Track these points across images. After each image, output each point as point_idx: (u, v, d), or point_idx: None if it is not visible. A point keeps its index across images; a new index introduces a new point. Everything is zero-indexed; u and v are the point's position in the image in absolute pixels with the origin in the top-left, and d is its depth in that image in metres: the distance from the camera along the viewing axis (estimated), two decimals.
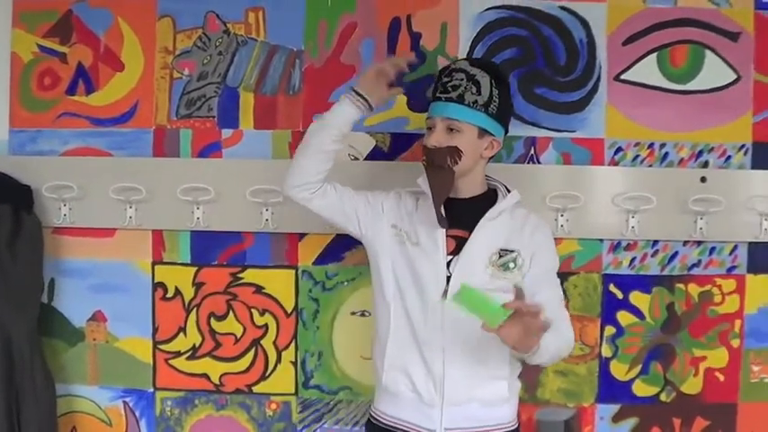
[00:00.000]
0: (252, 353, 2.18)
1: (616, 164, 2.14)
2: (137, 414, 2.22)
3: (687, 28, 2.13)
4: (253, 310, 2.18)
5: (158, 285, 2.19)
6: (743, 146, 2.15)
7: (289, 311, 2.17)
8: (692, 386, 2.18)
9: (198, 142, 2.18)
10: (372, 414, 1.81)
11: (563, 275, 2.11)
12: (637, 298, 2.16)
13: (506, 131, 1.79)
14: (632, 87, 2.14)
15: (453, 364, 1.68)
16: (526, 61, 2.14)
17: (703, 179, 2.12)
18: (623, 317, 2.16)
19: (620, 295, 2.16)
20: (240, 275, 2.18)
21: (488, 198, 1.77)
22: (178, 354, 2.20)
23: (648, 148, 2.15)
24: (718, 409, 2.18)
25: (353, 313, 2.17)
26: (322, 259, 2.16)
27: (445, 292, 1.68)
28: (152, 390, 2.21)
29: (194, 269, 2.19)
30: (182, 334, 2.20)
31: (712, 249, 2.16)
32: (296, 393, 2.18)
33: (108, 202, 2.15)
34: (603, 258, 2.15)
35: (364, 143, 2.14)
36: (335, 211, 1.81)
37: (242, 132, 2.17)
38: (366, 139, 2.14)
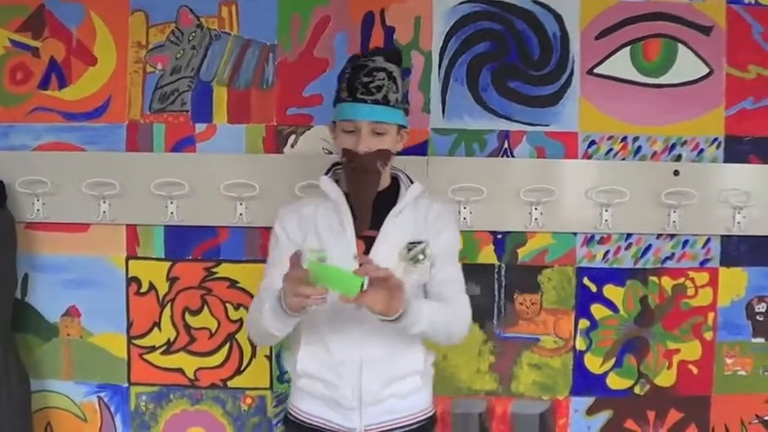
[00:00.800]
0: (227, 347, 2.18)
1: (589, 157, 2.15)
2: (111, 409, 2.21)
3: (660, 22, 2.14)
4: (227, 304, 2.18)
5: (132, 280, 2.18)
6: (715, 139, 2.16)
7: None
8: (666, 379, 2.19)
9: (171, 137, 2.17)
10: (291, 412, 1.74)
11: (537, 269, 2.16)
12: (610, 291, 2.17)
13: None
14: (605, 81, 2.15)
15: (370, 370, 1.63)
16: (500, 55, 2.14)
17: (676, 172, 2.13)
18: (597, 310, 2.17)
19: (593, 288, 2.16)
20: (215, 270, 2.17)
21: (392, 191, 1.72)
22: (153, 348, 2.19)
23: (622, 141, 2.15)
24: (691, 402, 2.20)
25: None
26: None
27: None
28: (127, 385, 2.20)
29: (168, 264, 2.18)
30: (156, 329, 2.19)
31: (685, 242, 2.17)
32: (271, 388, 2.18)
33: (81, 197, 2.14)
34: (577, 252, 2.16)
35: None
36: None
37: (215, 127, 2.16)
38: None
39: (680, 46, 2.15)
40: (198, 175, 2.12)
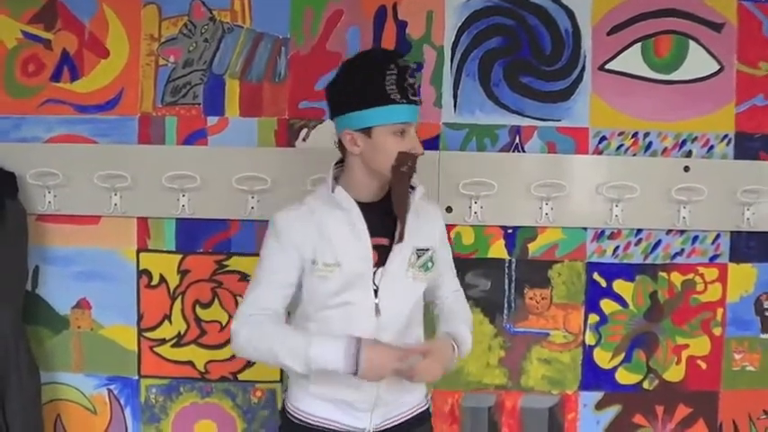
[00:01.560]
0: None
1: (600, 153, 2.16)
2: (121, 402, 2.21)
3: (671, 18, 2.15)
4: (238, 297, 2.17)
5: (143, 273, 2.19)
6: (725, 136, 2.17)
7: None
8: (675, 374, 2.20)
9: (183, 129, 2.17)
10: (293, 414, 1.68)
11: (547, 264, 2.17)
12: (620, 286, 2.18)
13: None
14: (617, 77, 2.16)
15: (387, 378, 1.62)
16: (512, 50, 2.15)
17: (686, 168, 2.14)
18: (607, 305, 2.18)
19: (603, 283, 2.18)
20: (225, 263, 2.18)
21: (389, 197, 1.65)
22: (163, 341, 2.20)
23: (632, 137, 2.16)
24: (700, 397, 2.21)
25: None
26: None
27: (376, 306, 1.60)
28: (137, 377, 2.21)
29: (179, 257, 2.18)
30: (167, 321, 2.19)
31: (695, 238, 2.18)
32: (281, 381, 2.18)
33: (93, 190, 2.14)
34: (587, 247, 2.17)
35: None
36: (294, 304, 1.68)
37: (227, 120, 2.16)
38: None
39: (691, 42, 2.15)
40: (209, 168, 2.13)
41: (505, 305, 2.17)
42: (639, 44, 2.15)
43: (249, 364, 2.18)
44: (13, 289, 2.10)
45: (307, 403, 1.67)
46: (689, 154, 2.16)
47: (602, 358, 2.18)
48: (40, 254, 2.18)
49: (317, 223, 1.61)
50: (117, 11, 2.17)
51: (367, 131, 1.57)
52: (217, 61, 2.17)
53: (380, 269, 1.61)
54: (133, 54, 2.18)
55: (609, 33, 2.15)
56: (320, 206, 1.64)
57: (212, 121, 2.17)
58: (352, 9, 2.14)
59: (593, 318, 2.18)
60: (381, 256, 1.61)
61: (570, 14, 2.14)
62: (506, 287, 2.17)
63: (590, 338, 2.18)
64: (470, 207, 2.10)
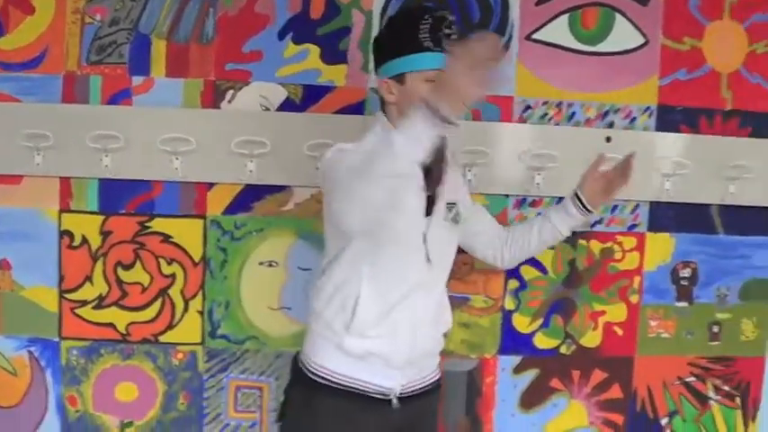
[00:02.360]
0: (159, 302, 2.17)
1: (524, 121, 2.18)
2: (42, 364, 2.18)
3: None
4: (160, 259, 2.16)
5: (65, 233, 2.15)
6: (648, 108, 2.22)
7: (196, 261, 2.16)
8: (592, 339, 2.25)
9: (108, 89, 2.13)
10: (317, 372, 1.66)
11: None
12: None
13: None
14: (543, 47, 2.18)
15: (423, 328, 1.66)
16: None
17: (608, 139, 2.17)
18: (526, 271, 2.22)
19: None
20: (148, 224, 2.15)
21: None
22: (84, 303, 2.17)
23: (556, 107, 2.19)
24: (615, 362, 2.27)
25: (261, 263, 2.17)
26: (231, 209, 2.15)
27: (426, 254, 1.64)
28: (57, 339, 2.18)
29: (102, 218, 2.15)
30: (88, 283, 2.16)
31: (614, 208, 2.22)
32: (202, 343, 2.18)
33: (16, 149, 2.09)
34: (509, 213, 2.20)
35: (275, 93, 2.14)
36: None
37: (153, 80, 2.13)
38: (278, 89, 2.14)
39: (617, 15, 2.19)
40: (134, 128, 2.09)
41: None
42: (567, 15, 2.17)
43: (170, 326, 2.17)
44: None
45: (335, 362, 1.65)
46: (611, 125, 2.20)
47: (521, 323, 2.23)
48: None
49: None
50: None
51: (400, 79, 1.61)
52: (144, 20, 2.13)
53: (427, 218, 1.66)
54: (59, 11, 2.12)
55: (537, 3, 2.17)
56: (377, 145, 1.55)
57: (138, 80, 2.13)
58: None
59: (513, 283, 2.21)
60: (428, 206, 1.66)
61: None
62: None
63: (509, 303, 2.22)
64: None
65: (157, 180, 2.14)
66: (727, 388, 2.33)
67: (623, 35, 2.20)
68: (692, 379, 2.32)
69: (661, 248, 2.25)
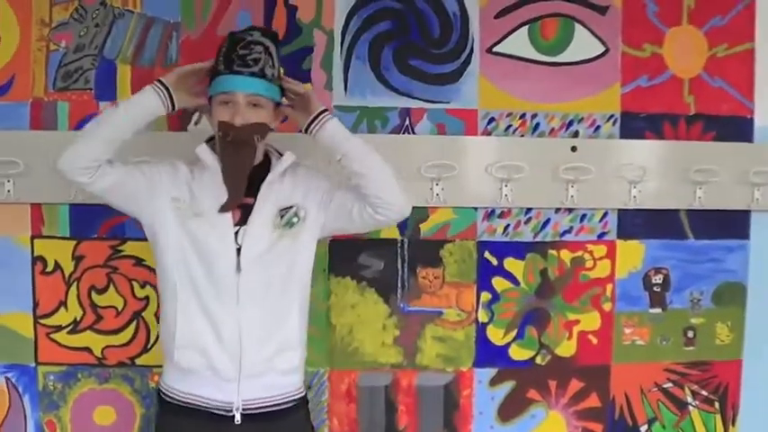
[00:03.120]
0: (133, 325, 2.18)
1: (489, 134, 2.20)
2: (19, 389, 2.19)
3: (557, 1, 2.21)
4: (133, 282, 2.17)
5: (38, 259, 2.16)
6: (611, 116, 2.23)
7: None
8: (567, 349, 2.26)
9: (75, 115, 2.15)
10: (163, 390, 1.75)
11: (439, 243, 2.20)
12: (511, 264, 2.22)
13: None
14: (504, 59, 2.20)
15: (250, 337, 1.67)
16: (401, 34, 2.17)
17: (574, 148, 2.19)
18: (498, 283, 2.22)
19: (494, 262, 2.22)
20: (120, 248, 2.17)
21: (265, 166, 1.74)
22: (59, 328, 2.18)
23: (520, 118, 2.21)
24: (592, 371, 2.27)
25: None
26: None
27: (237, 264, 1.66)
28: (34, 364, 2.18)
29: (74, 243, 2.16)
30: (62, 308, 2.17)
31: (583, 216, 2.23)
32: None
33: None
34: (478, 226, 2.21)
35: None
36: (117, 193, 1.72)
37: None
38: None
39: (576, 25, 2.21)
40: None
41: (399, 285, 2.20)
42: (526, 27, 2.19)
43: (146, 348, 2.18)
44: None
45: (172, 376, 1.71)
46: (576, 134, 2.21)
47: (495, 335, 2.23)
48: None
49: (184, 170, 1.75)
50: None
51: (208, 106, 1.73)
52: (108, 46, 2.16)
53: (242, 228, 1.68)
54: (24, 39, 2.15)
55: (496, 17, 2.19)
56: (190, 162, 1.76)
57: (104, 105, 2.14)
58: None
59: (486, 296, 2.22)
60: (244, 215, 1.69)
61: None
62: (399, 267, 2.19)
63: (483, 316, 2.22)
64: None
65: None
66: (705, 393, 2.32)
67: (583, 44, 2.22)
68: (670, 385, 2.31)
69: (631, 255, 2.25)
